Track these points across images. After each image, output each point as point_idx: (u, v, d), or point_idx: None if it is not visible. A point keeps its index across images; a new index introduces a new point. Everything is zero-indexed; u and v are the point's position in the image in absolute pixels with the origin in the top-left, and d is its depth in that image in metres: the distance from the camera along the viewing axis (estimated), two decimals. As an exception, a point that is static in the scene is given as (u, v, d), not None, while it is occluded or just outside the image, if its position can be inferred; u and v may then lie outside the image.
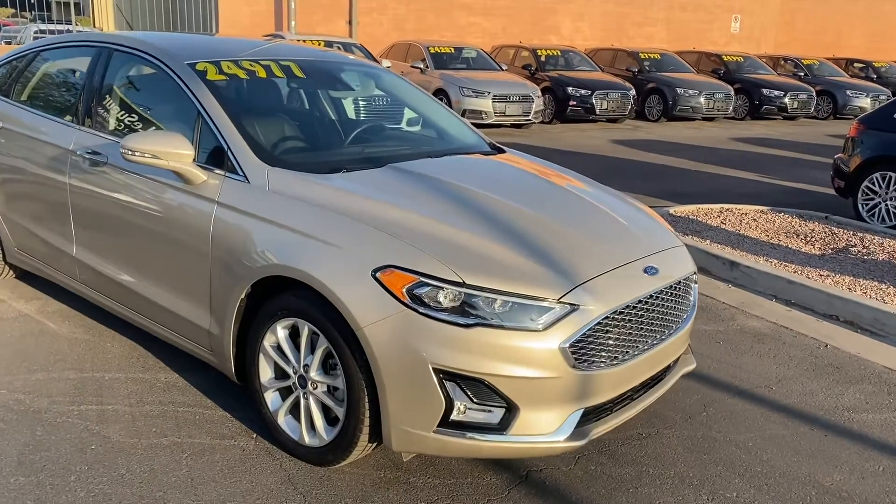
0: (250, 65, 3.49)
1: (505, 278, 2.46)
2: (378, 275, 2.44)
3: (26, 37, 15.04)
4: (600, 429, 2.60)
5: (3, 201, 4.10)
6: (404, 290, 2.40)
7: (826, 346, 4.20)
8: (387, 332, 2.39)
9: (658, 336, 2.77)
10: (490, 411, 2.45)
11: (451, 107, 12.33)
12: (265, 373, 2.84)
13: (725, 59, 18.55)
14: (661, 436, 3.11)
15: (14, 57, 4.33)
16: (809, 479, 2.87)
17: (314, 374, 2.67)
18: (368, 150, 3.59)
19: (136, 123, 3.48)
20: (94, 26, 18.59)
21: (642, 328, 2.69)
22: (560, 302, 2.46)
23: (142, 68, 3.62)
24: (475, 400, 2.42)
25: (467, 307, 2.40)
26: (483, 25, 19.63)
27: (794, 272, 5.11)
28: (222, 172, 2.97)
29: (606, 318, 2.52)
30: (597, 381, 2.52)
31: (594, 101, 14.42)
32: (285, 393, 2.84)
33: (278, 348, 2.78)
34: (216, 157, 3.02)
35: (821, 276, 5.07)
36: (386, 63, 13.64)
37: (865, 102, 18.15)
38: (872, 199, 7.14)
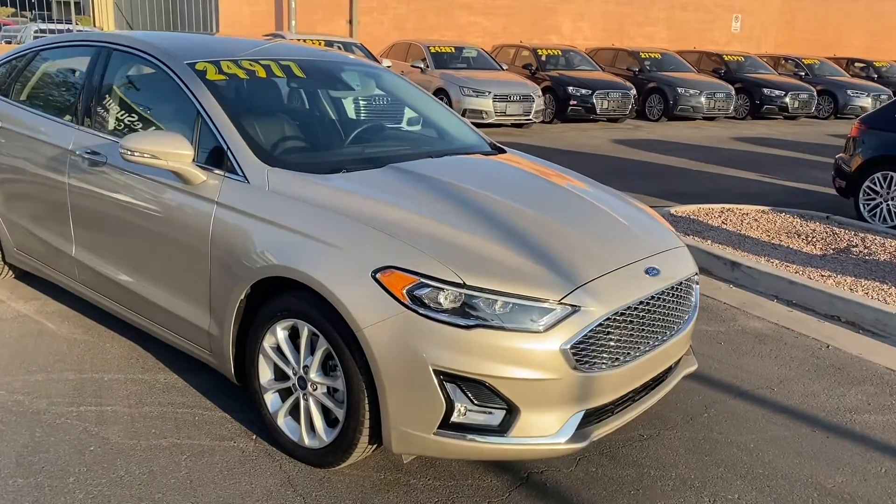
0: (250, 64, 3.48)
1: (506, 279, 2.44)
2: (378, 276, 2.42)
3: (26, 36, 15.03)
4: (601, 430, 2.59)
5: (3, 201, 4.09)
6: (404, 291, 2.39)
7: (827, 346, 4.19)
8: (387, 334, 2.38)
9: (659, 337, 2.76)
10: (491, 413, 2.43)
11: (451, 106, 12.33)
12: (265, 374, 2.83)
13: (726, 58, 18.54)
14: (663, 437, 3.10)
15: (13, 56, 4.31)
16: (811, 481, 2.86)
17: (314, 375, 2.66)
18: (369, 150, 3.58)
19: (135, 123, 3.47)
20: (95, 26, 18.59)
21: (644, 329, 2.67)
22: (561, 303, 2.44)
23: (141, 68, 3.61)
24: (476, 402, 2.41)
25: (468, 308, 2.38)
26: (483, 25, 19.63)
27: (796, 272, 5.10)
28: (222, 172, 2.96)
29: (608, 319, 2.51)
30: (598, 383, 2.50)
31: (595, 100, 14.41)
32: (285, 394, 2.83)
33: (278, 349, 2.77)
34: (216, 158, 3.01)
35: (822, 276, 5.06)
36: (386, 63, 13.63)
37: (866, 102, 18.15)
38: (874, 199, 7.12)
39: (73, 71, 3.93)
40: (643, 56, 17.35)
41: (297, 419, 2.77)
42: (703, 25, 23.26)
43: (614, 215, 3.09)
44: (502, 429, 2.44)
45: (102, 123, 3.56)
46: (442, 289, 2.38)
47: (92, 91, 3.63)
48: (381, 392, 2.42)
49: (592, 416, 2.58)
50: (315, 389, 2.67)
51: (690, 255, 3.13)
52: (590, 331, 2.46)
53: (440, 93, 13.00)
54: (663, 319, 2.78)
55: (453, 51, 14.48)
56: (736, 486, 2.79)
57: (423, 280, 2.39)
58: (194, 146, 3.02)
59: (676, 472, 2.87)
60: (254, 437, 2.94)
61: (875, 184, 7.10)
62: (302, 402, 2.74)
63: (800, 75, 19.06)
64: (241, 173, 2.91)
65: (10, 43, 15.16)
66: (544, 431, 2.46)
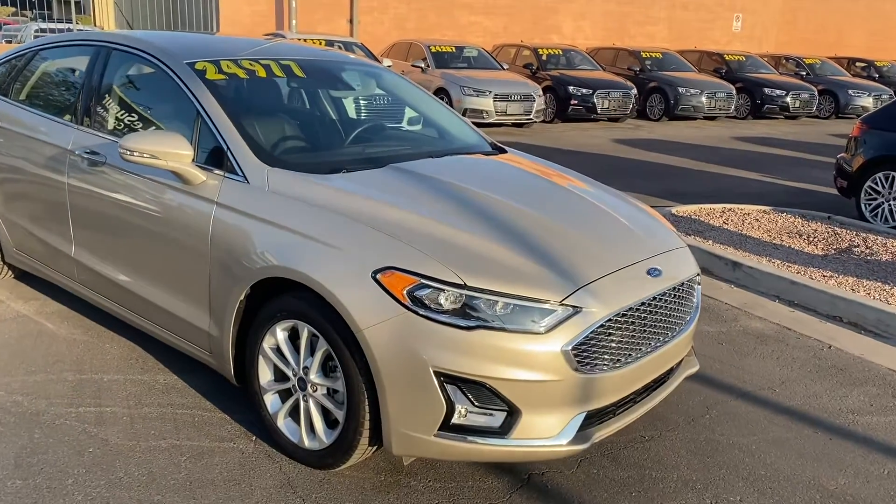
0: (250, 64, 3.47)
1: (507, 280, 2.43)
2: (378, 276, 2.41)
3: (27, 35, 15.01)
4: (603, 432, 2.58)
5: (2, 201, 4.08)
6: (405, 291, 2.38)
7: (829, 347, 4.17)
8: (387, 335, 2.36)
9: (661, 338, 2.74)
10: (491, 415, 2.42)
11: (452, 106, 12.33)
12: (264, 375, 2.82)
13: (727, 58, 18.52)
14: (664, 439, 3.09)
15: (13, 56, 4.30)
16: (814, 483, 2.84)
17: (314, 376, 2.64)
18: (369, 150, 3.56)
19: (135, 123, 3.45)
20: (95, 25, 18.59)
21: (645, 330, 2.66)
22: (562, 304, 2.43)
23: (141, 67, 3.60)
24: (476, 403, 2.40)
25: (468, 309, 2.37)
26: (484, 24, 19.61)
27: (797, 273, 5.09)
28: (221, 173, 2.94)
29: (609, 320, 2.50)
30: (599, 384, 2.49)
31: (595, 100, 14.39)
32: (285, 395, 2.82)
33: (278, 350, 2.76)
34: (215, 158, 3.00)
35: (824, 276, 5.05)
36: (387, 62, 13.63)
37: (868, 102, 18.13)
38: (875, 199, 7.11)
39: (73, 70, 3.92)
40: (644, 55, 17.33)
41: (297, 420, 2.76)
42: (704, 25, 23.24)
43: (616, 216, 3.08)
44: (503, 430, 2.42)
45: (102, 123, 3.55)
46: (442, 290, 2.37)
47: (91, 91, 3.62)
48: (382, 393, 2.41)
49: (594, 418, 2.57)
50: (315, 391, 2.66)
51: (692, 255, 3.12)
52: (591, 332, 2.45)
53: (441, 92, 12.99)
54: (665, 320, 2.77)
55: (454, 50, 14.47)
56: (738, 488, 2.78)
57: (423, 281, 2.38)
58: (194, 146, 3.01)
59: (678, 473, 2.85)
60: (253, 438, 2.93)
61: (877, 184, 7.09)
62: (302, 404, 2.73)
63: (801, 75, 19.04)
64: (240, 173, 2.90)
65: (10, 42, 15.13)
66: (546, 433, 2.45)
